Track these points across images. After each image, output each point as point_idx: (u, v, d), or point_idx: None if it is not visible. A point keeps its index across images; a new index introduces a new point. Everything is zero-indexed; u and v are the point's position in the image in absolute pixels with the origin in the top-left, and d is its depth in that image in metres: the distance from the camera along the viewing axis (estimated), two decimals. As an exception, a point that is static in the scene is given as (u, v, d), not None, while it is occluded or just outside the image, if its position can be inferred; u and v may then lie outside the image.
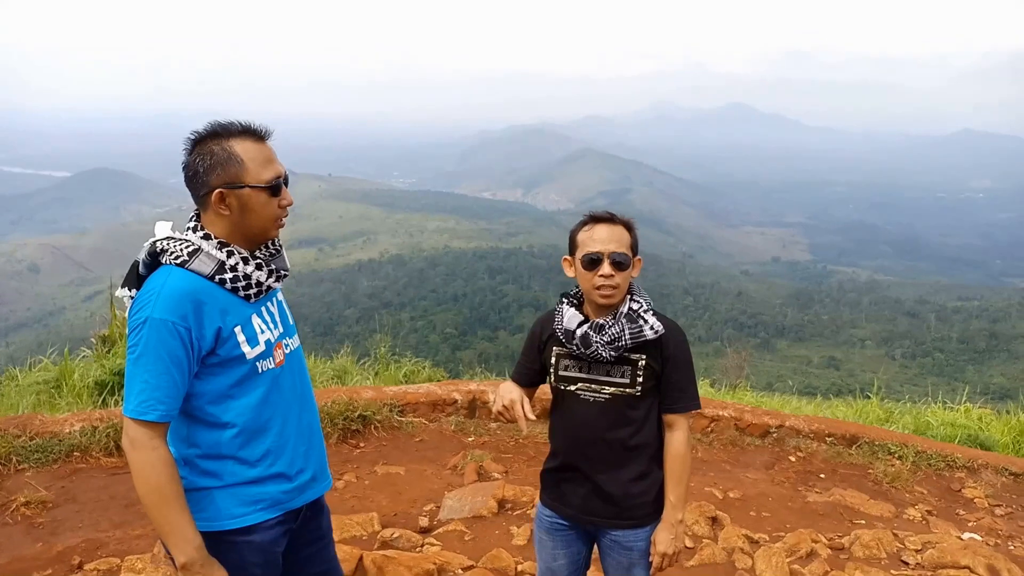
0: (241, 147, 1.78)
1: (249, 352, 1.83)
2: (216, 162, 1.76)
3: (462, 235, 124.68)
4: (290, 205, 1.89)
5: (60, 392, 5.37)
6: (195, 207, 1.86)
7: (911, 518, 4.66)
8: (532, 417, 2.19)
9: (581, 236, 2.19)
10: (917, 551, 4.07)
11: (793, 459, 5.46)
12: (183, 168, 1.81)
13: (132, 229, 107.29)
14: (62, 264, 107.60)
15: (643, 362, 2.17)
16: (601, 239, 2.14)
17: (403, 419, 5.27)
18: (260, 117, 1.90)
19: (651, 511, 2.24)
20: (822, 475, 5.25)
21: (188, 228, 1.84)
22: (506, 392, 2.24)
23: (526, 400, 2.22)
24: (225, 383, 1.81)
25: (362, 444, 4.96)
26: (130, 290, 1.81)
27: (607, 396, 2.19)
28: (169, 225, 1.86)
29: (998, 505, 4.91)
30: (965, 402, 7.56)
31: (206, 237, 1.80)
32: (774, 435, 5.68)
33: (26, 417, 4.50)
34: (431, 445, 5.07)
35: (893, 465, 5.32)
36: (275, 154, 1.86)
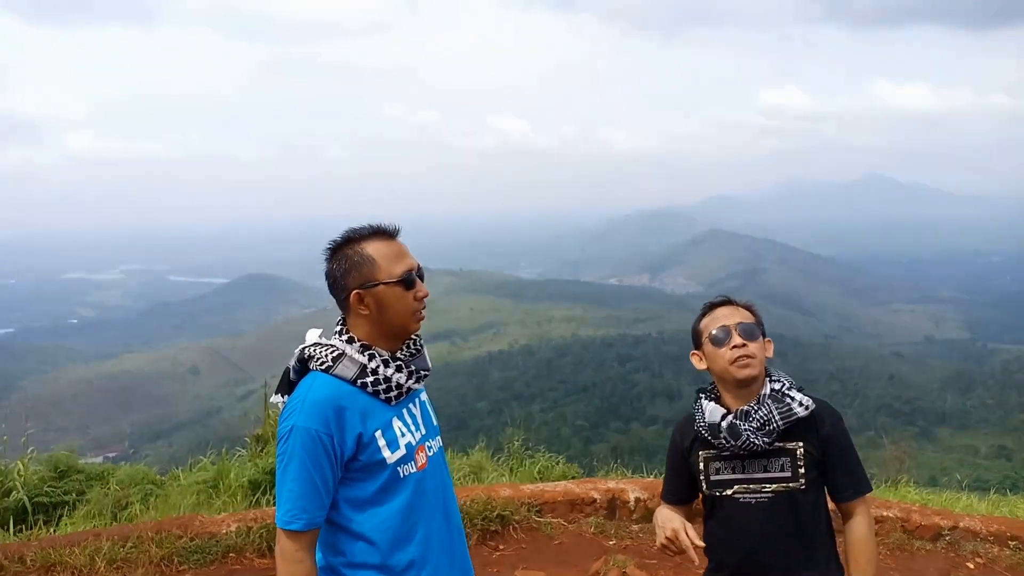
0: (372, 247, 1.85)
1: (390, 456, 1.83)
2: (351, 265, 1.84)
3: (589, 323, 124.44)
4: (426, 297, 1.92)
5: (217, 492, 5.65)
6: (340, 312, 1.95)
7: None
8: (701, 544, 2.04)
9: (703, 323, 2.14)
10: None
11: (971, 566, 4.84)
12: (325, 276, 1.90)
13: (283, 330, 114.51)
14: (220, 365, 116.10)
15: (801, 450, 2.01)
16: (724, 315, 2.09)
17: (541, 519, 5.15)
18: (393, 219, 1.99)
19: None
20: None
21: (335, 333, 1.90)
22: (666, 521, 2.11)
23: (690, 527, 2.07)
24: (368, 490, 1.82)
25: (501, 546, 4.87)
26: (282, 396, 1.88)
27: (769, 495, 2.03)
28: (319, 332, 1.93)
29: None
30: None
31: (350, 341, 1.86)
32: (947, 538, 5.08)
33: (188, 518, 4.75)
34: (570, 548, 4.90)
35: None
36: (407, 249, 1.91)
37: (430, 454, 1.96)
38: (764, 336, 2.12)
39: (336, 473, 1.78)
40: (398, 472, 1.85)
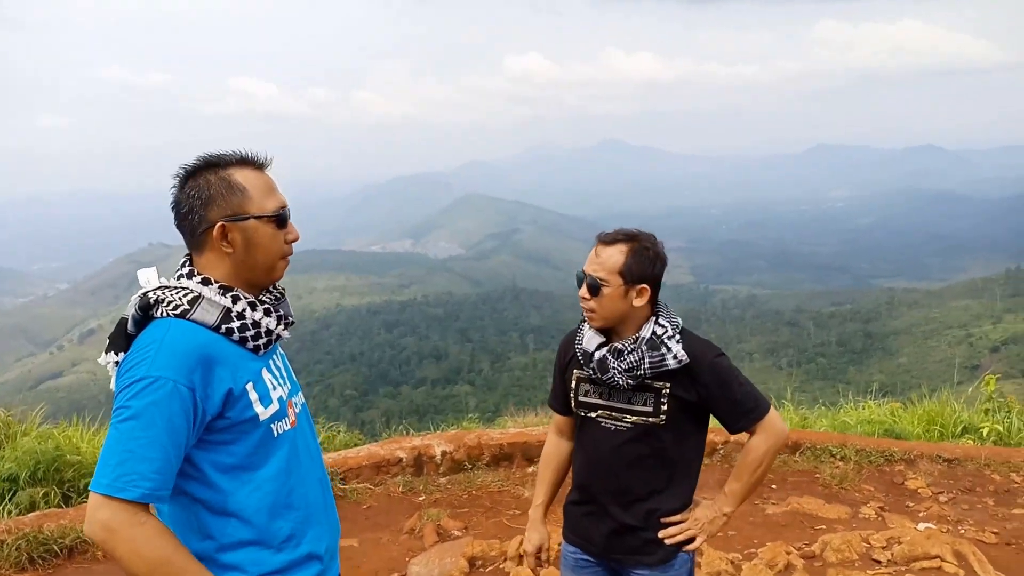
0: (242, 175, 1.55)
1: (263, 412, 1.54)
2: (215, 193, 1.52)
3: (353, 291, 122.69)
4: (296, 240, 1.63)
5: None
6: (186, 252, 1.60)
7: (867, 516, 4.74)
8: (545, 567, 2.25)
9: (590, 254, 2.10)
10: (884, 548, 4.12)
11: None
12: (173, 207, 1.56)
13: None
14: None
15: (667, 390, 2.02)
16: (590, 259, 2.05)
17: (346, 487, 4.94)
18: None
19: (677, 547, 2.10)
20: (773, 485, 5.29)
21: (180, 275, 1.56)
22: (529, 540, 2.25)
23: (546, 545, 2.25)
24: (238, 452, 1.52)
25: (306, 519, 4.59)
26: (116, 354, 1.48)
27: (629, 424, 2.05)
28: (154, 271, 1.57)
29: (940, 492, 5.08)
30: (868, 400, 7.89)
31: (205, 282, 1.53)
32: (720, 452, 5.69)
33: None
34: (381, 510, 4.76)
35: (838, 467, 5.43)
36: (276, 184, 1.62)
37: (297, 411, 1.68)
38: (629, 282, 1.99)
39: (191, 438, 1.44)
40: (272, 430, 1.56)
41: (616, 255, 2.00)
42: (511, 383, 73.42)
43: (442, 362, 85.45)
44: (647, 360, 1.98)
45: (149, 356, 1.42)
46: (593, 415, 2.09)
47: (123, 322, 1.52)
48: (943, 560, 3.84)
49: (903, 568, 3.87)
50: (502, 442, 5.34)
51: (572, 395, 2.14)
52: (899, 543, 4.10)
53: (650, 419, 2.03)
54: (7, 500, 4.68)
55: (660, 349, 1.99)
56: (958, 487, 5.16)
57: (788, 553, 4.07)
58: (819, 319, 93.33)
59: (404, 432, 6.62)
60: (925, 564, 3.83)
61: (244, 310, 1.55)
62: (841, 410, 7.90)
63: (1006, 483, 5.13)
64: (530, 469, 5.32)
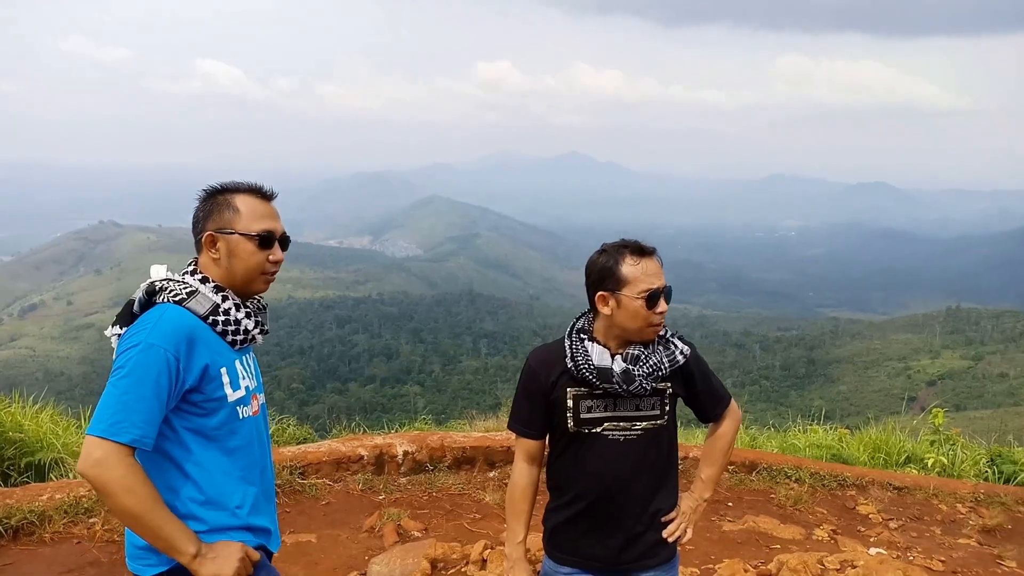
0: (241, 200, 1.90)
1: (231, 394, 1.85)
2: (215, 209, 1.90)
3: (307, 284, 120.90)
4: (279, 262, 1.95)
5: None
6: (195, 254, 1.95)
7: (820, 538, 4.83)
8: None
9: (630, 271, 1.99)
10: (838, 571, 4.19)
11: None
12: (192, 216, 1.95)
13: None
14: None
15: (670, 390, 2.08)
16: (654, 273, 1.99)
17: (305, 481, 4.84)
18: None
19: (676, 543, 2.16)
20: (730, 503, 5.35)
21: (186, 272, 1.91)
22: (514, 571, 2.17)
23: None
24: (208, 424, 1.82)
25: (262, 512, 4.48)
26: (121, 328, 1.81)
27: (639, 432, 2.06)
28: (164, 267, 1.92)
29: (890, 519, 5.21)
30: (821, 424, 8.07)
31: (203, 280, 1.87)
32: (679, 467, 5.74)
33: None
34: (340, 507, 4.67)
35: (792, 488, 5.53)
36: (278, 215, 1.96)
37: (260, 403, 2.00)
38: None
39: (172, 400, 1.74)
40: (237, 412, 1.87)
41: (660, 265, 2.05)
42: (461, 386, 73.16)
43: (393, 361, 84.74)
44: (666, 360, 2.03)
45: (147, 328, 1.75)
46: (598, 430, 2.06)
47: (130, 303, 1.85)
48: (895, 585, 3.92)
49: (857, 591, 3.95)
50: (465, 445, 5.29)
51: (570, 415, 2.06)
52: (853, 567, 4.18)
53: (657, 421, 2.07)
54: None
55: (670, 347, 2.07)
56: (907, 515, 5.29)
57: (745, 571, 4.12)
58: (765, 343, 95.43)
59: (356, 430, 6.53)
60: (878, 588, 3.91)
61: (230, 309, 1.88)
62: (789, 433, 8.06)
63: (952, 513, 5.28)
64: (492, 473, 5.28)
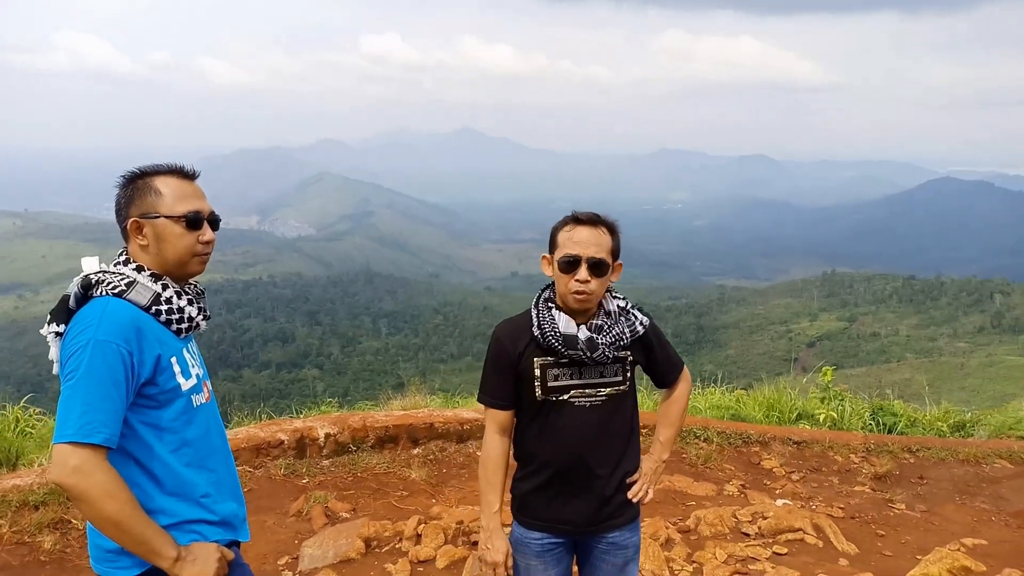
0: (162, 181, 1.84)
1: (184, 384, 1.82)
2: (136, 194, 1.83)
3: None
4: (211, 243, 1.90)
5: None
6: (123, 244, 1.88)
7: (731, 493, 5.12)
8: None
9: (561, 236, 2.09)
10: (751, 522, 4.47)
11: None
12: (114, 203, 1.88)
13: None
14: None
15: (630, 358, 2.17)
16: (580, 241, 2.05)
17: (223, 470, 4.68)
18: None
19: (639, 503, 2.25)
20: (646, 466, 5.58)
21: (118, 262, 1.84)
22: (497, 550, 2.17)
23: (509, 555, 2.19)
24: (164, 416, 1.77)
25: (180, 505, 4.31)
26: (58, 325, 1.74)
27: (603, 398, 2.13)
28: (96, 260, 1.85)
29: (792, 472, 5.58)
30: (719, 386, 8.50)
31: (139, 269, 1.82)
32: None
33: None
34: (263, 493, 4.56)
35: (702, 448, 5.82)
36: (203, 194, 1.90)
37: (211, 390, 1.97)
38: (616, 259, 2.12)
39: (130, 395, 1.70)
40: (191, 401, 1.83)
41: (605, 236, 2.09)
42: (362, 367, 72.12)
43: (288, 345, 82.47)
44: (627, 330, 2.11)
45: (92, 324, 1.68)
46: (565, 397, 2.12)
47: (65, 298, 1.78)
48: (805, 532, 4.23)
49: (770, 540, 4.23)
50: (388, 424, 5.26)
51: (538, 383, 2.12)
52: (764, 518, 4.47)
53: (620, 388, 2.15)
54: None
55: (630, 318, 2.15)
56: (807, 467, 5.68)
57: (667, 528, 4.32)
58: (656, 311, 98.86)
59: (261, 417, 6.34)
60: (790, 536, 4.21)
61: (172, 297, 1.83)
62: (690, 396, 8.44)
63: (847, 463, 5.71)
64: (416, 451, 5.28)
